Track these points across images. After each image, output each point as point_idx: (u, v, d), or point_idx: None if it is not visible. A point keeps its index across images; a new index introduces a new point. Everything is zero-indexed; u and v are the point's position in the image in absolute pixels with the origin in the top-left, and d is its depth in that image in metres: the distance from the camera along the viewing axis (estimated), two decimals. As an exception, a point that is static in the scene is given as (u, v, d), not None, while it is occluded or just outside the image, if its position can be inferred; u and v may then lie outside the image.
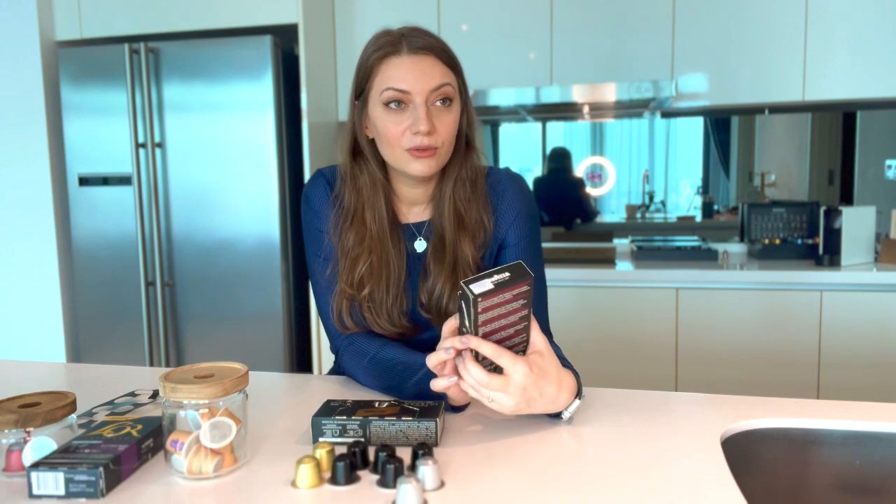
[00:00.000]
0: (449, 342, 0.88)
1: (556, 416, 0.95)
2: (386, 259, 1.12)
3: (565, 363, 0.99)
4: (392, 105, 1.06)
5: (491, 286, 0.82)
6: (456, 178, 1.14)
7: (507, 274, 0.84)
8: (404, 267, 1.14)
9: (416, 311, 1.15)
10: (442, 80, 1.05)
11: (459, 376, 0.89)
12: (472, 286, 0.82)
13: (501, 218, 1.16)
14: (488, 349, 0.85)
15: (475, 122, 1.16)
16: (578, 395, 0.95)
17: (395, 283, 1.12)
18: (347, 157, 1.16)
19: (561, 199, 3.38)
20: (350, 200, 1.14)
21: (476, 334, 0.85)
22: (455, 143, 1.12)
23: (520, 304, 0.86)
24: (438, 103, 1.06)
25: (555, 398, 0.90)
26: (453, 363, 0.89)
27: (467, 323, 0.86)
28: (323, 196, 1.17)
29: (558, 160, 3.36)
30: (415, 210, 1.18)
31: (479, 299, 0.82)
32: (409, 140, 1.05)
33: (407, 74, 1.04)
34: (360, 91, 1.11)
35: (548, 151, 3.38)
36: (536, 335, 0.90)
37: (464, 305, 0.85)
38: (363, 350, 1.12)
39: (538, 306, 1.10)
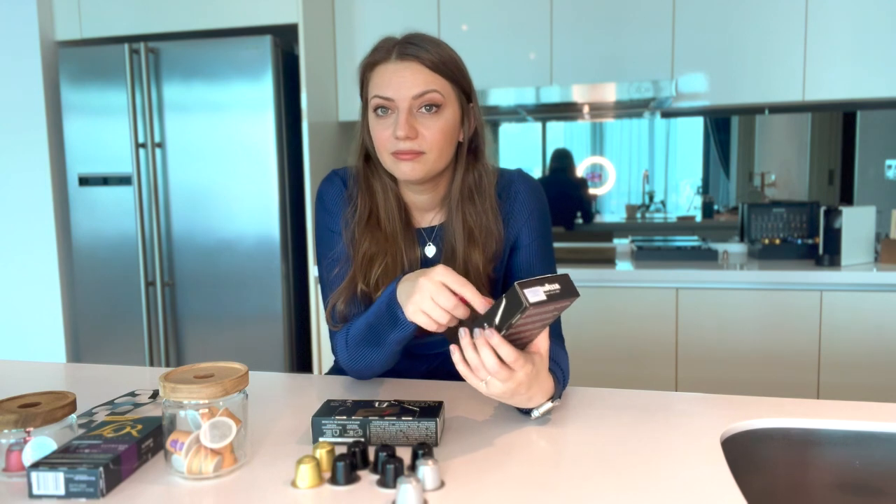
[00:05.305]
0: (465, 339, 0.88)
1: (526, 413, 0.97)
2: (401, 261, 1.13)
3: (563, 370, 1.03)
4: (379, 112, 1.08)
5: (544, 297, 0.82)
6: (462, 185, 1.14)
7: (558, 287, 0.84)
8: (418, 270, 1.14)
9: None
10: (426, 87, 1.06)
11: (457, 344, 0.89)
12: (527, 292, 0.82)
13: (514, 219, 1.16)
14: (506, 352, 0.85)
15: (482, 129, 1.16)
16: (554, 397, 0.97)
17: None
18: (360, 160, 1.17)
19: (562, 199, 3.38)
20: (364, 203, 1.15)
21: (500, 330, 0.85)
22: (456, 150, 1.13)
23: (552, 314, 0.87)
24: (423, 109, 1.07)
25: (531, 396, 0.93)
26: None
27: (499, 316, 0.85)
28: (337, 196, 1.18)
29: (560, 160, 3.36)
30: (425, 215, 1.19)
31: (530, 308, 0.81)
32: (392, 144, 1.07)
33: (391, 81, 1.06)
34: (362, 97, 1.14)
35: (548, 151, 3.38)
36: (543, 337, 0.92)
37: (507, 303, 0.84)
38: (344, 329, 1.12)
39: None
